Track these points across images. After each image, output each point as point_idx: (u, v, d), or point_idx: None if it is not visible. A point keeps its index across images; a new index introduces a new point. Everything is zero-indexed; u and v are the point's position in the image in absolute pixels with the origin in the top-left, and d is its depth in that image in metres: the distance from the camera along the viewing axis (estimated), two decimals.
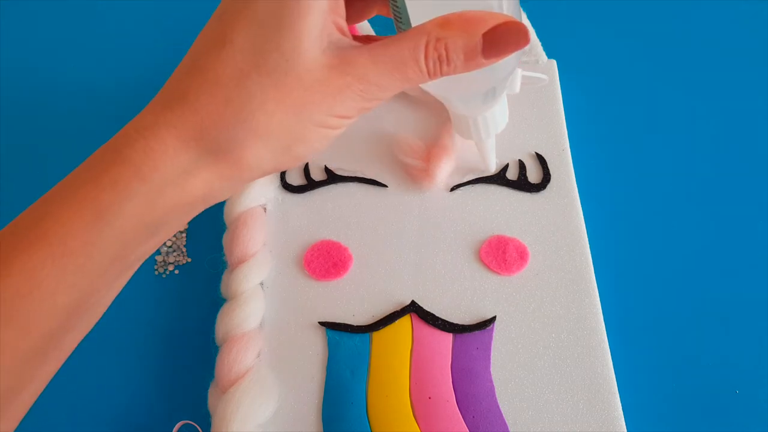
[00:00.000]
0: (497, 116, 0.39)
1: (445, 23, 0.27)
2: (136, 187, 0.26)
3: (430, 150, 0.46)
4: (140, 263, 0.30)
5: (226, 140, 0.27)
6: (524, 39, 0.28)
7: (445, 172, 0.46)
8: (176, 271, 0.48)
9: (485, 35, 0.27)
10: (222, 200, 0.30)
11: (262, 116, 0.27)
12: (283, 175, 0.47)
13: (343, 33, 0.29)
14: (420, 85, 0.35)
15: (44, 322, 0.26)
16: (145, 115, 0.28)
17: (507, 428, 0.37)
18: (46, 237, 0.26)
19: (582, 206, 0.45)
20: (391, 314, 0.42)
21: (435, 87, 0.35)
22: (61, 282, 0.26)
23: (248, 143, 0.27)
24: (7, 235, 0.26)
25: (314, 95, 0.27)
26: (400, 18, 0.30)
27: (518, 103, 0.47)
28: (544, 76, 0.44)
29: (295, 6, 0.26)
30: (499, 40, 0.27)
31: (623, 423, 0.37)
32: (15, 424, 0.28)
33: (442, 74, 0.28)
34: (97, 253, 0.27)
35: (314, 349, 0.41)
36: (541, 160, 0.47)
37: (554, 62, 0.49)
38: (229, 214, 0.46)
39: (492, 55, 0.28)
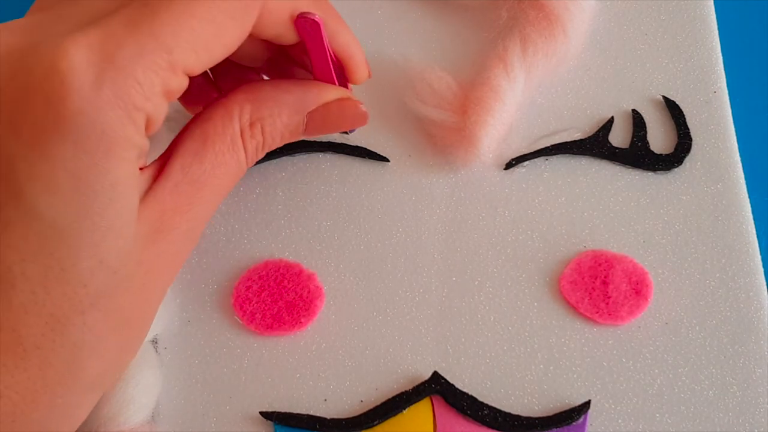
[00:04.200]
0: None
1: (256, 99, 0.30)
2: None
3: (469, 93, 0.39)
4: None
5: None
6: (361, 120, 0.32)
7: (495, 133, 0.38)
8: None
9: (312, 114, 0.31)
10: None
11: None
12: None
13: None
14: None
15: None
16: None
17: None
18: None
19: (750, 197, 0.38)
20: (395, 397, 0.35)
21: None
22: None
23: None
24: None
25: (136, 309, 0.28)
26: None
27: (634, 10, 0.42)
28: None
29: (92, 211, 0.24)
30: (328, 121, 0.32)
31: None
32: None
33: (263, 154, 0.32)
34: None
35: None
36: (673, 111, 0.39)
37: None
38: None
39: (317, 133, 0.32)
